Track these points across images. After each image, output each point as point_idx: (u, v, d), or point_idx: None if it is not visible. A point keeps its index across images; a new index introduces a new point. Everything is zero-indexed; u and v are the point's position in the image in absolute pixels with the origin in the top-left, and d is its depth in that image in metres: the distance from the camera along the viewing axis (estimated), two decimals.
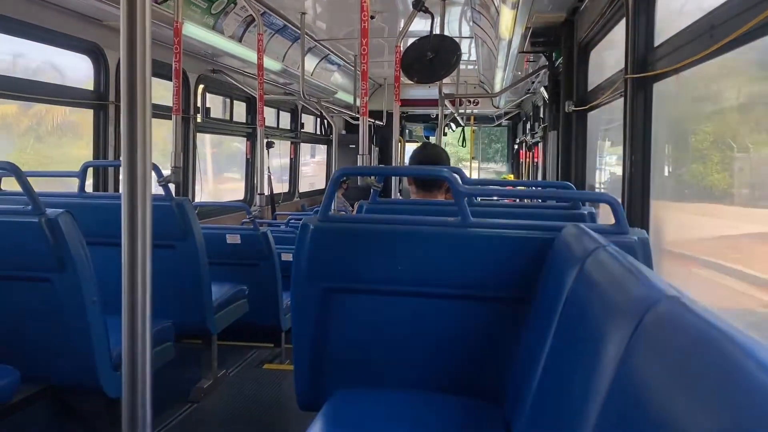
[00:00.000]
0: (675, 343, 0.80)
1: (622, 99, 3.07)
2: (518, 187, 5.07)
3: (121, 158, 1.14)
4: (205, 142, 7.21)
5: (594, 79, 4.56)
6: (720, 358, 0.68)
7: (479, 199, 3.17)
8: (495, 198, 5.26)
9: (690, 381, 0.71)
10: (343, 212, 7.41)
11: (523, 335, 1.87)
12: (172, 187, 3.67)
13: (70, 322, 2.45)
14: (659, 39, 2.81)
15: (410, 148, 12.04)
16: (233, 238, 4.05)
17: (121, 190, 1.16)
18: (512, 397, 1.80)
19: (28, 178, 2.45)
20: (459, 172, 2.53)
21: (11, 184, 3.39)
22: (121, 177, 1.17)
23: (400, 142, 10.56)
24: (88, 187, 3.65)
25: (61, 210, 2.42)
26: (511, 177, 13.47)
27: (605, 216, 3.18)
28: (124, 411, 1.15)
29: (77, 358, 2.49)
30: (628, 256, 1.30)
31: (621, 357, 0.89)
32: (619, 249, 1.37)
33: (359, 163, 3.37)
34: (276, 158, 8.79)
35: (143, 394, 1.14)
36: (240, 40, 6.36)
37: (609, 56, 4.21)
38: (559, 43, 5.17)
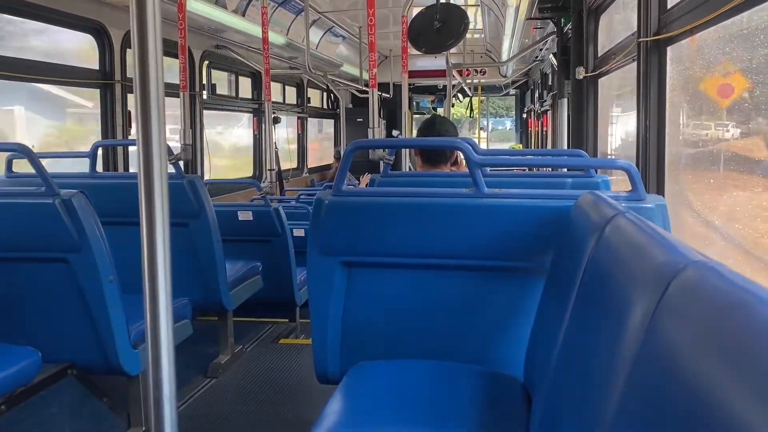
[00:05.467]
0: (704, 309, 0.79)
1: (634, 63, 3.01)
2: (531, 157, 5.02)
3: (130, 137, 1.13)
4: None
5: (605, 44, 4.48)
6: (753, 321, 0.67)
7: (489, 169, 3.14)
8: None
9: (723, 346, 0.70)
10: (351, 186, 7.39)
11: (541, 305, 1.87)
12: (181, 165, 3.67)
13: (88, 301, 2.47)
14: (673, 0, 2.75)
15: (417, 120, 11.96)
16: (245, 215, 4.05)
17: (136, 169, 1.15)
18: (531, 367, 1.81)
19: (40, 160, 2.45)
20: (471, 142, 2.51)
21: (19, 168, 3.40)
22: (136, 156, 1.16)
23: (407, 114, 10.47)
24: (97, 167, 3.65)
25: (74, 190, 2.42)
26: (520, 146, 13.37)
27: (618, 184, 3.15)
28: (148, 387, 1.16)
29: (96, 337, 2.52)
30: (649, 222, 1.29)
31: (647, 325, 0.89)
32: (638, 215, 1.35)
33: (370, 137, 3.34)
34: (282, 134, 8.76)
35: (167, 370, 1.14)
36: (243, 14, 6.29)
37: (620, 20, 4.13)
38: (567, 9, 5.07)
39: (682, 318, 0.82)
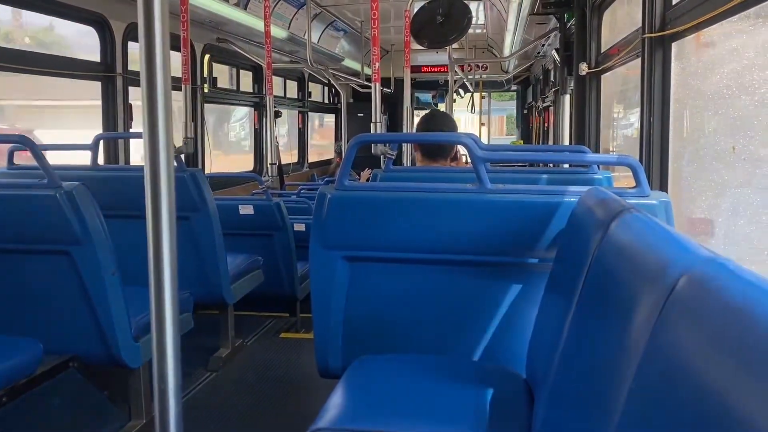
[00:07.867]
0: (714, 306, 0.78)
1: (638, 60, 3.01)
2: (534, 152, 5.01)
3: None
4: None
5: (608, 40, 4.47)
6: (765, 319, 0.67)
7: (490, 165, 3.14)
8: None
9: (733, 343, 0.69)
10: (352, 181, 7.36)
11: (543, 300, 1.86)
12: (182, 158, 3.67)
13: (90, 294, 2.47)
14: None
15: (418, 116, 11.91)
16: (246, 209, 4.05)
17: (138, 162, 1.15)
18: (534, 363, 1.81)
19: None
20: (475, 137, 2.51)
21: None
22: (139, 149, 1.16)
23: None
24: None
25: (77, 183, 2.42)
26: (521, 143, 13.35)
27: (619, 180, 3.15)
28: (153, 379, 1.15)
29: (98, 329, 2.52)
30: (656, 218, 1.28)
31: (655, 322, 0.88)
32: (645, 212, 1.35)
33: (372, 131, 3.34)
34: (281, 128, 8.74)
35: (172, 362, 1.14)
36: (245, 8, 6.27)
37: (624, 16, 4.12)
38: (571, 4, 5.06)
39: (692, 315, 0.82)
